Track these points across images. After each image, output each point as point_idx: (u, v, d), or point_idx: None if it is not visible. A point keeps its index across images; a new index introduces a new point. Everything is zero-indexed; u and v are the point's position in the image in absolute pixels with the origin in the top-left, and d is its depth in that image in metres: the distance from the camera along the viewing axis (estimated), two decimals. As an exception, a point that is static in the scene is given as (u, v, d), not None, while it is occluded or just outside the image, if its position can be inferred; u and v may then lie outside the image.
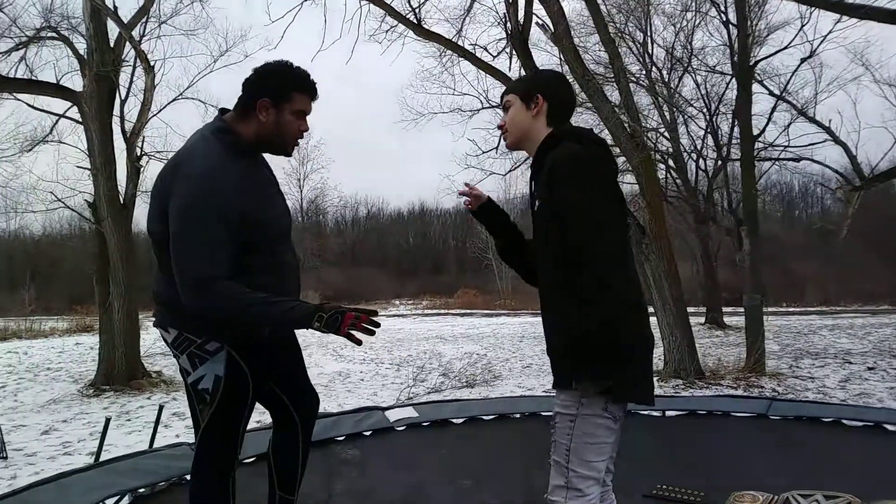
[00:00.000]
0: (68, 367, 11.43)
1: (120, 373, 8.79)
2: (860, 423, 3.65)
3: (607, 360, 1.67)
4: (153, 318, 2.22)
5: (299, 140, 2.15)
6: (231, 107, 2.15)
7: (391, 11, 9.09)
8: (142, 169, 9.24)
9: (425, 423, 3.98)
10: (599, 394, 1.70)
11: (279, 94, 2.05)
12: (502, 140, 2.05)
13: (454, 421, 4.07)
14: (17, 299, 20.93)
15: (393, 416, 4.00)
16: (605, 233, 1.69)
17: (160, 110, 10.01)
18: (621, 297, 1.68)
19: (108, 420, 4.63)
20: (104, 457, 3.91)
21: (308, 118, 2.14)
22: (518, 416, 4.19)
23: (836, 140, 10.85)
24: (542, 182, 1.82)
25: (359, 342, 1.86)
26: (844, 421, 3.68)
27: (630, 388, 1.72)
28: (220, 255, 1.93)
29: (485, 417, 4.12)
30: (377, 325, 1.90)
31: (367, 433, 3.84)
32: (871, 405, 6.42)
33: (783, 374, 8.72)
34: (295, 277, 2.22)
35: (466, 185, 2.11)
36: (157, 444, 4.35)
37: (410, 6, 9.17)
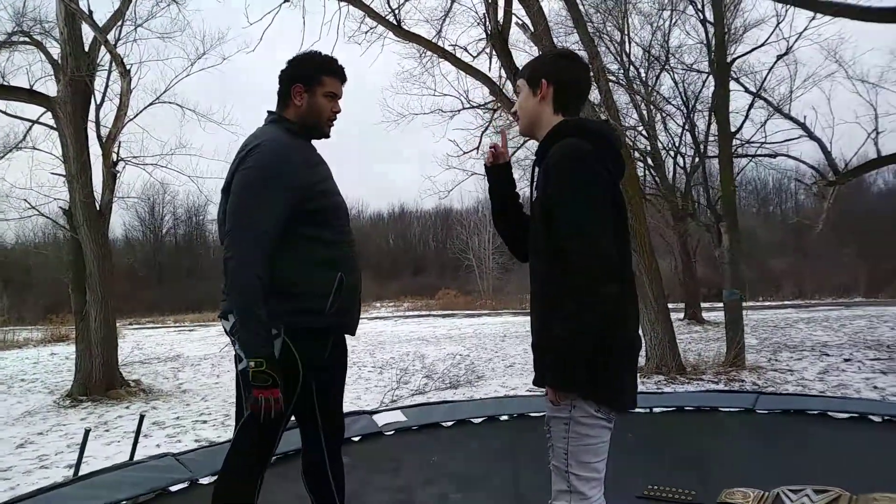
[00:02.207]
0: (43, 378, 11.19)
1: (97, 383, 8.60)
2: (845, 415, 3.68)
3: (582, 370, 1.65)
4: (219, 313, 2.23)
5: (333, 120, 2.30)
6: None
7: (370, 13, 9.04)
8: (118, 175, 9.06)
9: (414, 427, 3.94)
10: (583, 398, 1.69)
11: (310, 79, 2.23)
12: (516, 126, 2.02)
13: (444, 424, 4.02)
14: (-10, 309, 20.54)
15: (381, 420, 3.95)
16: (594, 239, 1.65)
17: (136, 115, 9.76)
18: (605, 307, 1.63)
19: (87, 431, 4.54)
20: (84, 470, 3.83)
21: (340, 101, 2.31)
22: (506, 417, 4.17)
23: (812, 136, 11.01)
24: (541, 176, 1.78)
25: (251, 410, 2.01)
26: (830, 413, 3.72)
27: (604, 398, 1.71)
28: (269, 220, 2.03)
29: (474, 420, 4.08)
30: (267, 418, 1.99)
31: (356, 438, 3.77)
32: (849, 396, 6.52)
33: (763, 368, 8.82)
34: (355, 257, 2.31)
35: (501, 132, 2.08)
36: (137, 455, 4.27)
37: (390, 7, 9.12)
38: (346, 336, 2.39)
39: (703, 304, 18.18)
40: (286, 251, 2.08)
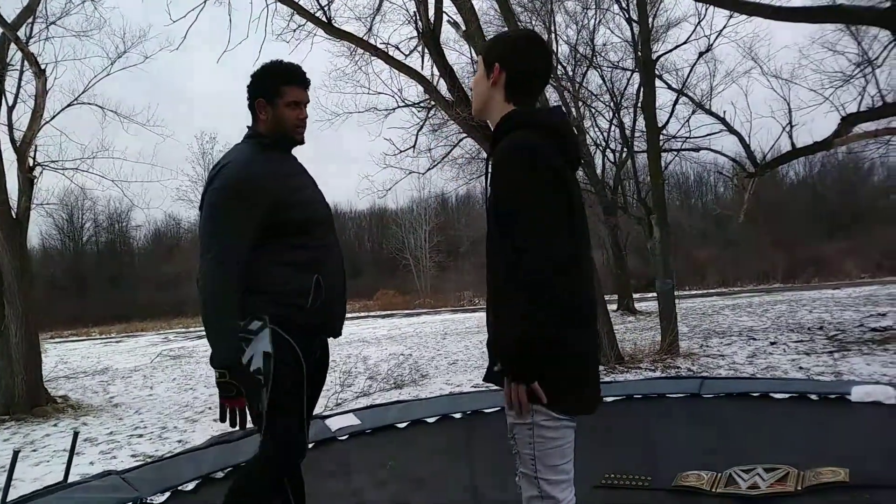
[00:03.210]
0: (-42, 399, 10.47)
1: (21, 400, 8.14)
2: (786, 395, 3.85)
3: (534, 372, 1.59)
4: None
5: (301, 128, 2.29)
6: None
7: (300, 10, 8.88)
8: (35, 180, 8.58)
9: (368, 430, 3.87)
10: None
11: (270, 91, 2.23)
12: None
13: (398, 426, 3.97)
14: None
15: (334, 424, 3.86)
16: (547, 239, 1.57)
17: (53, 117, 9.28)
18: (557, 307, 1.57)
19: (16, 453, 4.23)
20: (13, 495, 3.59)
21: (307, 107, 2.32)
22: (459, 415, 4.16)
23: (731, 130, 11.56)
24: (492, 172, 1.70)
25: (222, 418, 2.12)
26: (772, 394, 3.89)
27: (553, 401, 1.63)
28: (233, 239, 2.08)
29: (428, 420, 4.04)
30: (234, 424, 2.11)
31: (308, 445, 3.66)
32: (778, 377, 6.84)
33: (696, 354, 9.14)
34: (339, 259, 2.32)
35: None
36: (71, 476, 4.03)
37: (319, 4, 8.98)
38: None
39: (634, 295, 18.74)
40: (267, 257, 2.14)
